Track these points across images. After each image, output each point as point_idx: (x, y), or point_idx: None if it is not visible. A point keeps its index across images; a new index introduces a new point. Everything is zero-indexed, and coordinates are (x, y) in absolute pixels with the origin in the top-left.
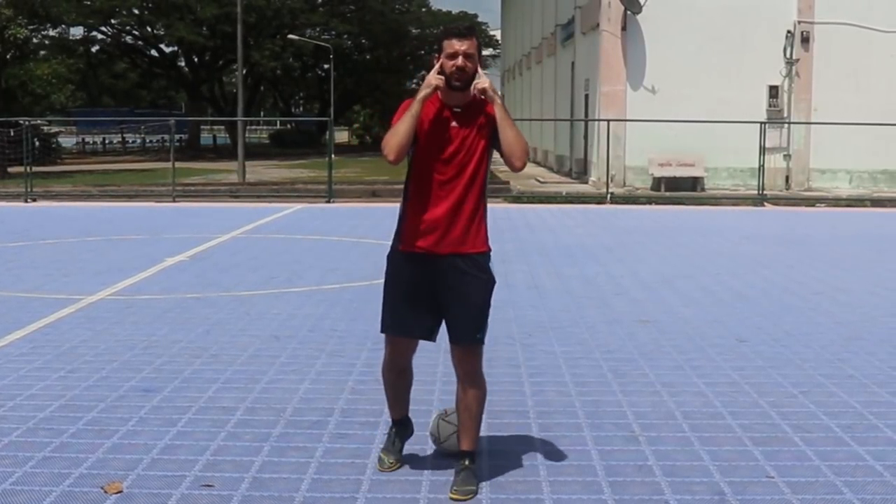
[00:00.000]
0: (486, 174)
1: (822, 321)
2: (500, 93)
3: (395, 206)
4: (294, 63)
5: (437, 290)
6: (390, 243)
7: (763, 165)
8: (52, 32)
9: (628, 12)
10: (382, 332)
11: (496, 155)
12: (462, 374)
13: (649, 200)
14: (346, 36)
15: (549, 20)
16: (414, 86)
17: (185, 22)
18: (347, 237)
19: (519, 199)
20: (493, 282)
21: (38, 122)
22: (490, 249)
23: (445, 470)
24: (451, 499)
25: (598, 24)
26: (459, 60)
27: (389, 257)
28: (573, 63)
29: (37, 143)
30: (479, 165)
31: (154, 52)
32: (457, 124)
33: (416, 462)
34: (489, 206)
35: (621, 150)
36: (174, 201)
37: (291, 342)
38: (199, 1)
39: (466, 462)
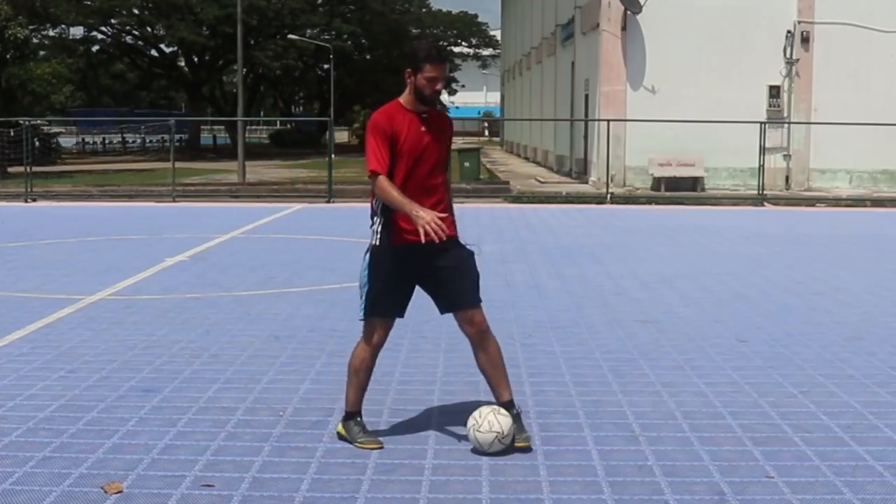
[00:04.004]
0: (449, 168)
1: (822, 321)
2: (500, 93)
3: None
4: (295, 63)
5: (427, 272)
6: (372, 240)
7: (763, 165)
8: (52, 32)
9: (628, 12)
10: (372, 316)
11: (501, 156)
12: (476, 334)
13: (649, 200)
14: (346, 36)
15: (549, 20)
16: None
17: (185, 22)
18: (347, 237)
19: (519, 199)
20: (471, 252)
21: (38, 122)
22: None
23: (445, 470)
24: (522, 447)
25: (598, 24)
26: (439, 85)
27: (377, 252)
28: (573, 63)
29: (37, 143)
30: (446, 162)
31: (154, 53)
32: (425, 128)
33: (416, 462)
34: (488, 206)
35: (621, 150)
36: (174, 201)
37: (291, 342)
38: (201, 2)
39: (515, 410)
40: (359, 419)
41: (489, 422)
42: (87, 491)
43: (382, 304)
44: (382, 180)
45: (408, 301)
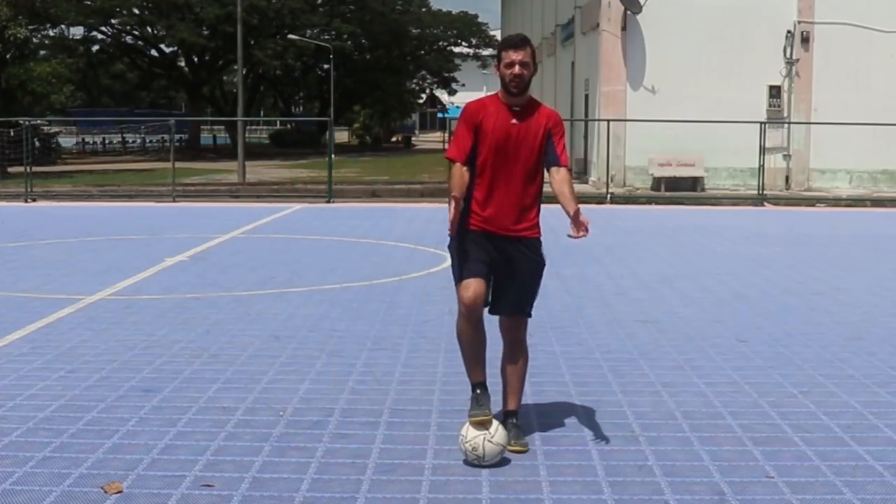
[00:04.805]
0: (543, 168)
1: (822, 321)
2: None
3: (394, 206)
4: (295, 63)
5: (493, 261)
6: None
7: (763, 165)
8: (51, 32)
9: (628, 12)
10: (459, 280)
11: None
12: (511, 342)
13: (649, 200)
14: (346, 36)
15: (549, 20)
16: (414, 85)
17: (185, 22)
18: (347, 237)
19: None
20: (544, 264)
21: (38, 122)
22: (541, 235)
23: (445, 470)
24: (516, 451)
25: (598, 24)
26: (516, 69)
27: (459, 232)
28: (573, 63)
29: (37, 143)
30: (536, 159)
31: (154, 53)
32: (516, 121)
33: (416, 462)
34: None
35: (621, 150)
36: (174, 201)
37: (291, 342)
38: (202, 1)
39: (515, 420)
40: (477, 391)
41: (473, 433)
42: (87, 491)
43: (463, 270)
44: (455, 168)
45: (489, 276)
